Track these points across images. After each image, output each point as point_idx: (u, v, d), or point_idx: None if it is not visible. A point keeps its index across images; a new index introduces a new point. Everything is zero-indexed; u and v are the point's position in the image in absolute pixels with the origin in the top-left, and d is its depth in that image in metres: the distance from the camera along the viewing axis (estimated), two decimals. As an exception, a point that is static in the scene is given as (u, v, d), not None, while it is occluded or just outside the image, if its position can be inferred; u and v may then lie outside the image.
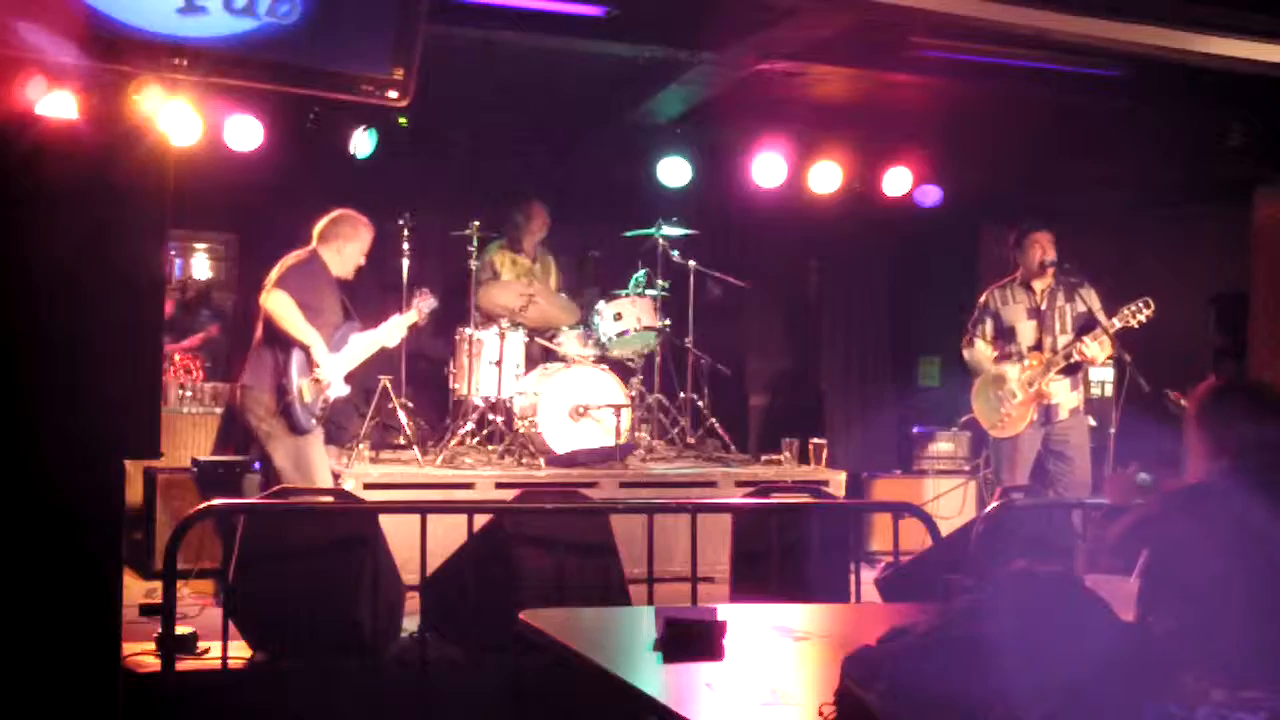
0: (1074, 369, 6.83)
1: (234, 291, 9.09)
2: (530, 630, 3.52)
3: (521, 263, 8.21)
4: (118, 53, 4.95)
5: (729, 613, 3.47)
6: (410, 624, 5.27)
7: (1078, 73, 7.02)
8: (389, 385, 7.05)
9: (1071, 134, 7.96)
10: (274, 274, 6.16)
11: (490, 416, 7.46)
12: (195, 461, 7.16)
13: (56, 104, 6.01)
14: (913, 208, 8.81)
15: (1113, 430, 6.68)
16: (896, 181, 8.60)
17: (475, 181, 8.45)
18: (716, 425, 7.91)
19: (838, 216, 9.02)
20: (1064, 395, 6.83)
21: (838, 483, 7.32)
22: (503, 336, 7.39)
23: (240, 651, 4.93)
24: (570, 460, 7.17)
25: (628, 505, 6.14)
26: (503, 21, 6.40)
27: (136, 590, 5.92)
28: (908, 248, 9.76)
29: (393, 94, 5.13)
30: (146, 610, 4.83)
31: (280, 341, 6.07)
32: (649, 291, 7.93)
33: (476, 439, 7.45)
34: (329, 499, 5.44)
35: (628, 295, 7.87)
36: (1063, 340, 6.81)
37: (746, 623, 3.55)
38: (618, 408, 7.28)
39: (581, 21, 6.46)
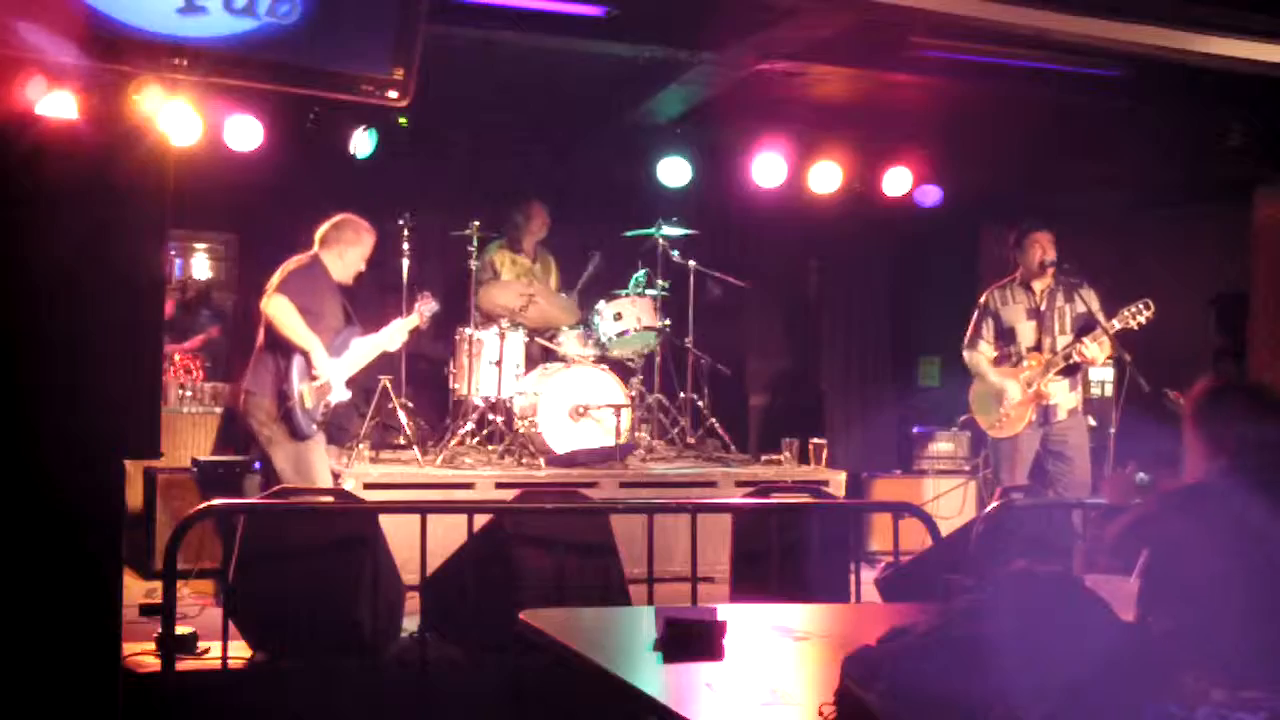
0: (1073, 370, 6.83)
1: (234, 291, 9.09)
2: (530, 630, 3.52)
3: (521, 263, 8.21)
4: (118, 53, 4.95)
5: (729, 613, 3.47)
6: (410, 624, 5.27)
7: (1078, 73, 7.02)
8: (389, 385, 7.05)
9: (1071, 134, 7.96)
10: (275, 279, 6.16)
11: (490, 416, 7.46)
12: (195, 461, 7.16)
13: (56, 104, 6.01)
14: (913, 208, 8.81)
15: (1113, 430, 6.68)
16: (896, 181, 8.60)
17: (475, 181, 8.45)
18: (716, 425, 7.91)
19: (838, 216, 9.02)
20: (1062, 396, 6.83)
21: (838, 483, 7.32)
22: (503, 336, 7.39)
23: (240, 651, 4.94)
24: (570, 460, 7.17)
25: (628, 505, 6.14)
26: (503, 21, 6.40)
27: (136, 590, 5.91)
28: (908, 248, 9.75)
29: (393, 94, 5.13)
30: (146, 610, 4.83)
31: (281, 347, 6.07)
32: (649, 291, 7.93)
33: (476, 439, 7.45)
34: (329, 499, 5.44)
35: (628, 295, 7.87)
36: (1062, 341, 6.81)
37: (746, 623, 3.55)
38: (618, 408, 7.28)
39: (581, 21, 6.46)
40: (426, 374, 8.35)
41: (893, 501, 7.30)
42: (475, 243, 7.62)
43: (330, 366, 6.13)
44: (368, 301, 7.15)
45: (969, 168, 8.53)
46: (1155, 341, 6.66)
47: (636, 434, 7.67)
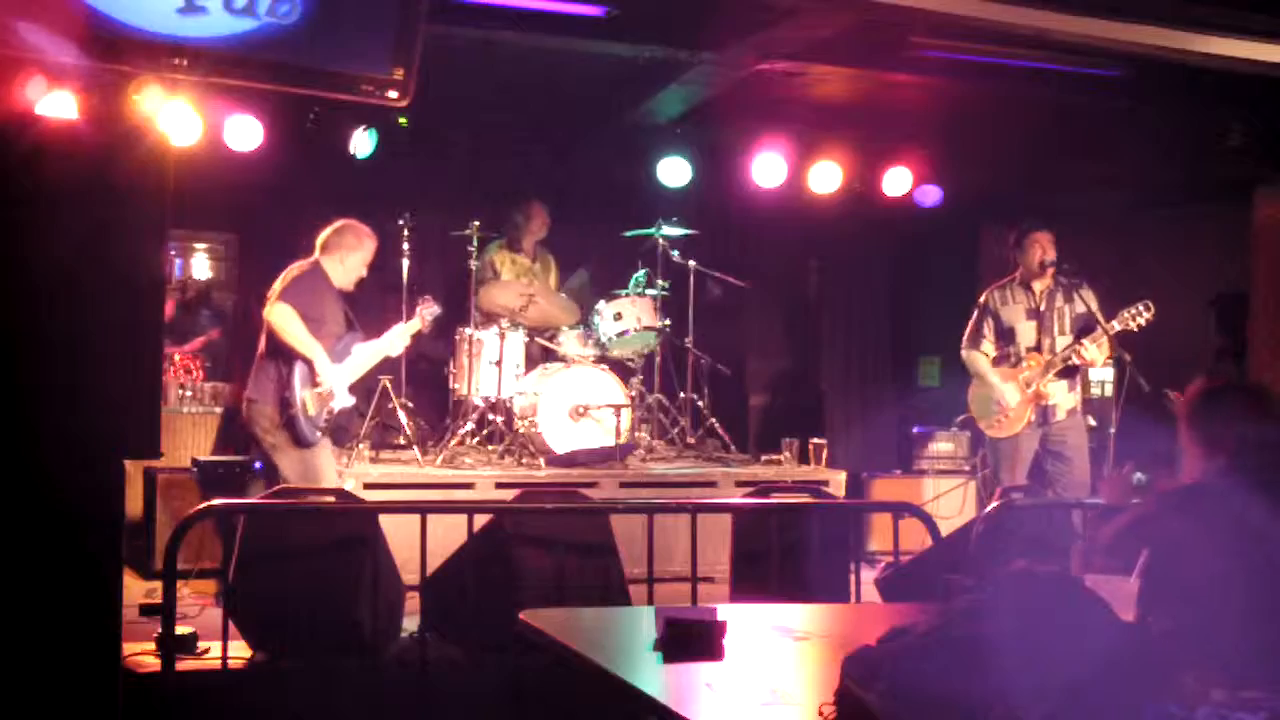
0: (1072, 371, 6.83)
1: (234, 292, 9.10)
2: (530, 630, 3.52)
3: (521, 262, 8.21)
4: (118, 53, 4.95)
5: (729, 613, 3.47)
6: (410, 624, 5.27)
7: (1078, 73, 7.02)
8: (389, 385, 7.05)
9: (1071, 134, 7.96)
10: (277, 286, 6.15)
11: (490, 416, 7.46)
12: (195, 461, 7.16)
13: (56, 104, 6.01)
14: (913, 208, 8.81)
15: (1113, 430, 6.68)
16: (896, 181, 8.60)
17: (475, 181, 8.45)
18: (716, 425, 7.91)
19: (838, 216, 9.02)
20: (1061, 396, 6.83)
21: (838, 483, 7.33)
22: (503, 336, 7.39)
23: (240, 651, 4.93)
24: (570, 460, 7.17)
25: (628, 505, 6.14)
26: (503, 21, 6.40)
27: (136, 590, 5.92)
28: (908, 248, 9.75)
29: (393, 94, 5.13)
30: (146, 610, 4.83)
31: (283, 354, 6.06)
32: (649, 291, 7.93)
33: (476, 439, 7.45)
34: (329, 499, 5.44)
35: (628, 295, 7.87)
36: (1062, 341, 6.81)
37: (746, 623, 3.55)
38: (618, 408, 7.28)
39: (581, 21, 6.46)
40: (426, 374, 8.35)
41: (893, 501, 7.30)
42: (475, 243, 7.62)
43: (333, 373, 6.12)
44: (368, 303, 7.15)
45: (969, 168, 8.53)
46: (1155, 341, 6.66)
47: (636, 434, 7.67)
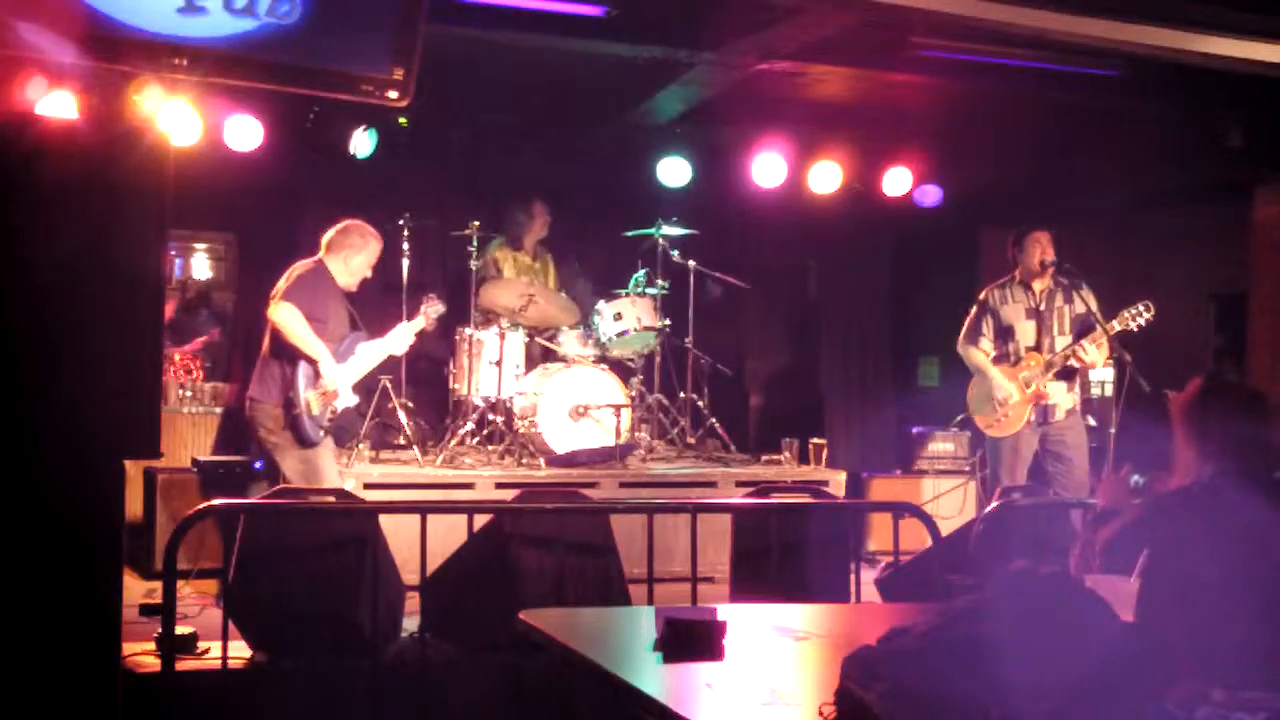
0: (1071, 371, 6.83)
1: (234, 292, 9.10)
2: (530, 630, 3.52)
3: (523, 261, 8.21)
4: (118, 53, 4.95)
5: (729, 613, 3.47)
6: (410, 624, 5.27)
7: (1078, 73, 7.03)
8: (389, 385, 7.05)
9: (1071, 134, 7.97)
10: (280, 285, 6.14)
11: (490, 416, 7.46)
12: (195, 461, 7.17)
13: (56, 104, 6.01)
14: (913, 208, 8.81)
15: (1113, 430, 6.68)
16: (896, 181, 8.60)
17: (475, 181, 8.45)
18: (716, 425, 7.91)
19: (837, 216, 9.03)
20: (1061, 396, 6.83)
21: (838, 483, 7.33)
22: (503, 336, 7.39)
23: (240, 651, 4.93)
24: (570, 460, 7.17)
25: (628, 505, 6.14)
26: (503, 21, 6.40)
27: (136, 590, 5.92)
28: (907, 248, 9.76)
29: (393, 94, 5.13)
30: (146, 610, 4.83)
31: (287, 354, 6.06)
32: (649, 291, 7.93)
33: (476, 439, 7.45)
34: (329, 499, 5.44)
35: (628, 295, 7.87)
36: (1061, 341, 6.81)
37: (746, 623, 3.55)
38: (618, 408, 7.28)
39: (581, 21, 6.46)
40: (426, 374, 8.35)
41: (893, 501, 7.30)
42: (475, 243, 7.62)
43: (337, 373, 6.12)
44: (368, 302, 7.14)
45: (969, 168, 8.53)
46: (1155, 342, 6.66)
47: (636, 434, 7.67)
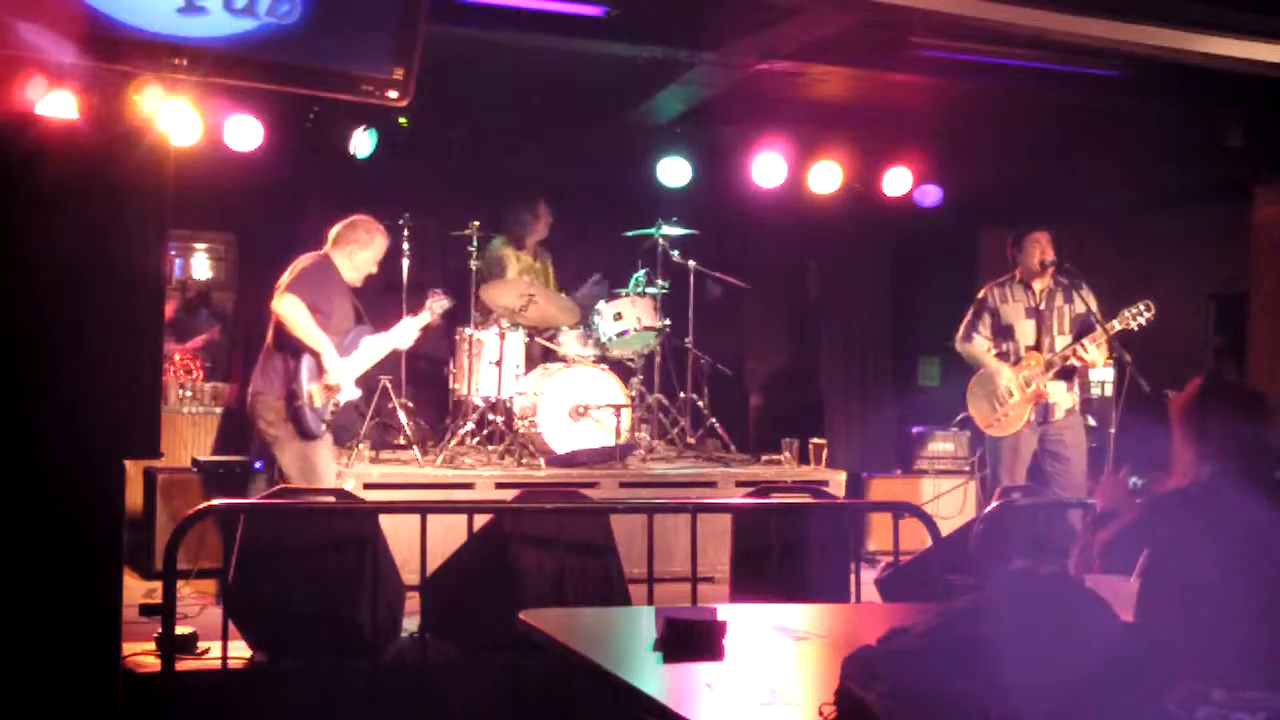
0: (1070, 371, 6.84)
1: (234, 292, 9.10)
2: (530, 630, 3.52)
3: (525, 259, 8.21)
4: (118, 53, 4.95)
5: (729, 613, 3.47)
6: (410, 624, 5.27)
7: (1078, 73, 7.03)
8: (389, 385, 7.05)
9: (1071, 134, 7.97)
10: (285, 278, 6.15)
11: (490, 416, 7.46)
12: (195, 461, 7.17)
13: (56, 104, 6.01)
14: (913, 208, 8.81)
15: (1113, 430, 6.68)
16: (896, 181, 8.60)
17: (474, 181, 8.45)
18: (716, 425, 7.90)
19: (837, 216, 9.02)
20: (1060, 395, 6.83)
21: (838, 483, 7.32)
22: (503, 336, 7.39)
23: (240, 651, 4.93)
24: (570, 460, 7.17)
25: (628, 505, 6.14)
26: (503, 21, 6.40)
27: (136, 590, 5.92)
28: (907, 248, 9.76)
29: (393, 94, 5.13)
30: (146, 610, 4.83)
31: (291, 346, 6.06)
32: (649, 291, 7.93)
33: (476, 439, 7.45)
34: (329, 499, 5.44)
35: (628, 295, 7.87)
36: (1061, 341, 6.81)
37: (746, 623, 3.55)
38: (618, 408, 7.28)
39: (581, 21, 6.46)
40: (426, 374, 8.35)
41: (893, 501, 7.30)
42: (475, 243, 7.62)
43: (340, 366, 6.13)
44: (368, 302, 7.12)
45: (969, 168, 8.54)
46: (1155, 342, 6.66)
47: (636, 434, 7.67)
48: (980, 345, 6.96)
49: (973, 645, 2.47)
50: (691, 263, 8.06)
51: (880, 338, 9.93)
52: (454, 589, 5.22)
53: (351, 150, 7.40)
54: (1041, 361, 6.78)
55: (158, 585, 4.92)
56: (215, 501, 5.38)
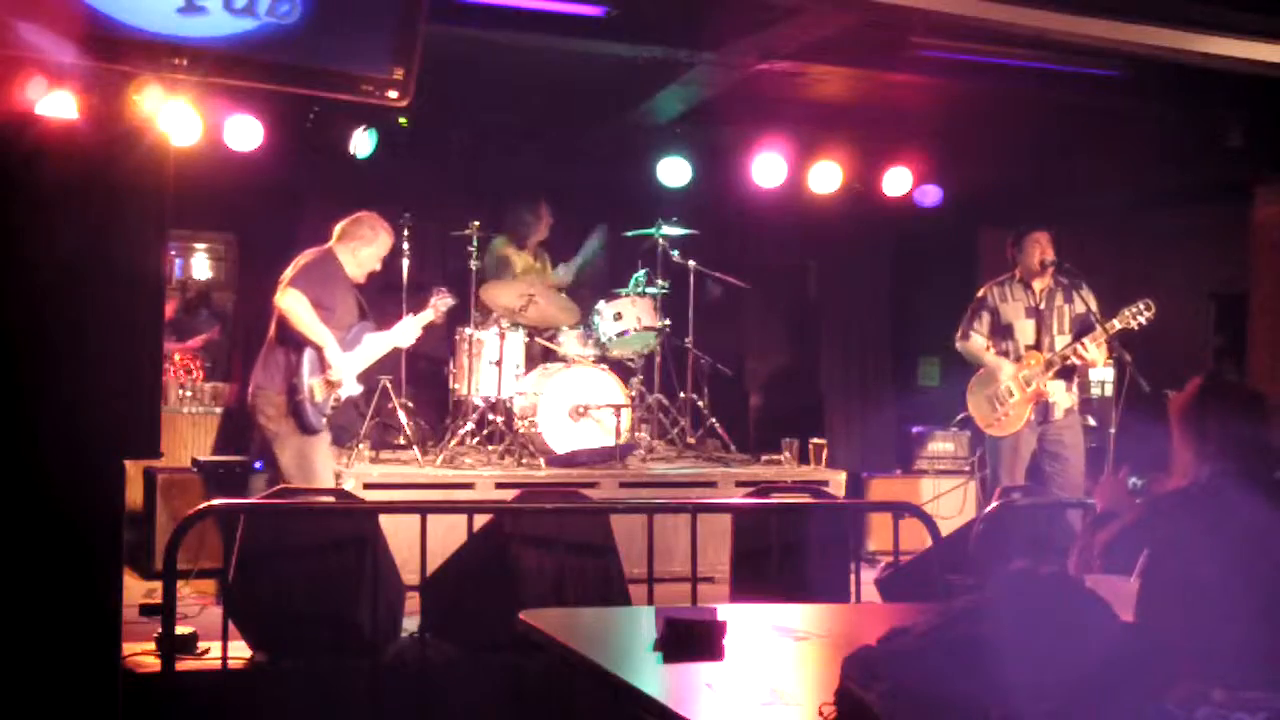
0: (1070, 370, 6.84)
1: (234, 291, 9.10)
2: (530, 630, 3.52)
3: (525, 259, 8.21)
4: (118, 53, 4.95)
5: (729, 613, 3.47)
6: (410, 624, 5.27)
7: (1078, 73, 7.03)
8: (389, 385, 7.05)
9: (1071, 134, 7.97)
10: (288, 272, 6.15)
11: (490, 416, 7.46)
12: (196, 461, 7.17)
13: (56, 104, 6.01)
14: (913, 208, 8.81)
15: (1113, 430, 6.68)
16: (896, 181, 8.60)
17: (474, 181, 8.45)
18: (716, 425, 7.90)
19: (837, 216, 9.02)
20: (1060, 395, 6.84)
21: (838, 483, 7.32)
22: (503, 336, 7.39)
23: (240, 651, 4.93)
24: (570, 460, 7.17)
25: (628, 505, 6.14)
26: (503, 21, 6.40)
27: (136, 590, 5.92)
28: (907, 248, 9.76)
29: (393, 94, 5.13)
30: (146, 610, 4.83)
31: (293, 341, 6.07)
32: (649, 291, 7.93)
33: (476, 439, 7.45)
34: (329, 499, 5.44)
35: (628, 295, 7.87)
36: (1060, 340, 6.81)
37: (746, 623, 3.55)
38: (618, 408, 7.28)
39: (581, 21, 6.46)
40: (426, 374, 8.35)
41: (893, 501, 7.30)
42: (475, 243, 7.62)
43: (343, 361, 6.13)
44: (367, 301, 7.15)
45: (969, 168, 8.53)
46: (1155, 341, 6.66)
47: (636, 434, 7.67)
48: (977, 343, 6.96)
49: (973, 645, 2.47)
50: (691, 263, 8.06)
51: (880, 338, 9.93)
52: (454, 589, 5.22)
53: (351, 150, 7.40)
54: (1041, 361, 6.78)
55: (158, 585, 4.92)
56: (215, 501, 5.38)
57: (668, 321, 7.86)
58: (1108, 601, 2.67)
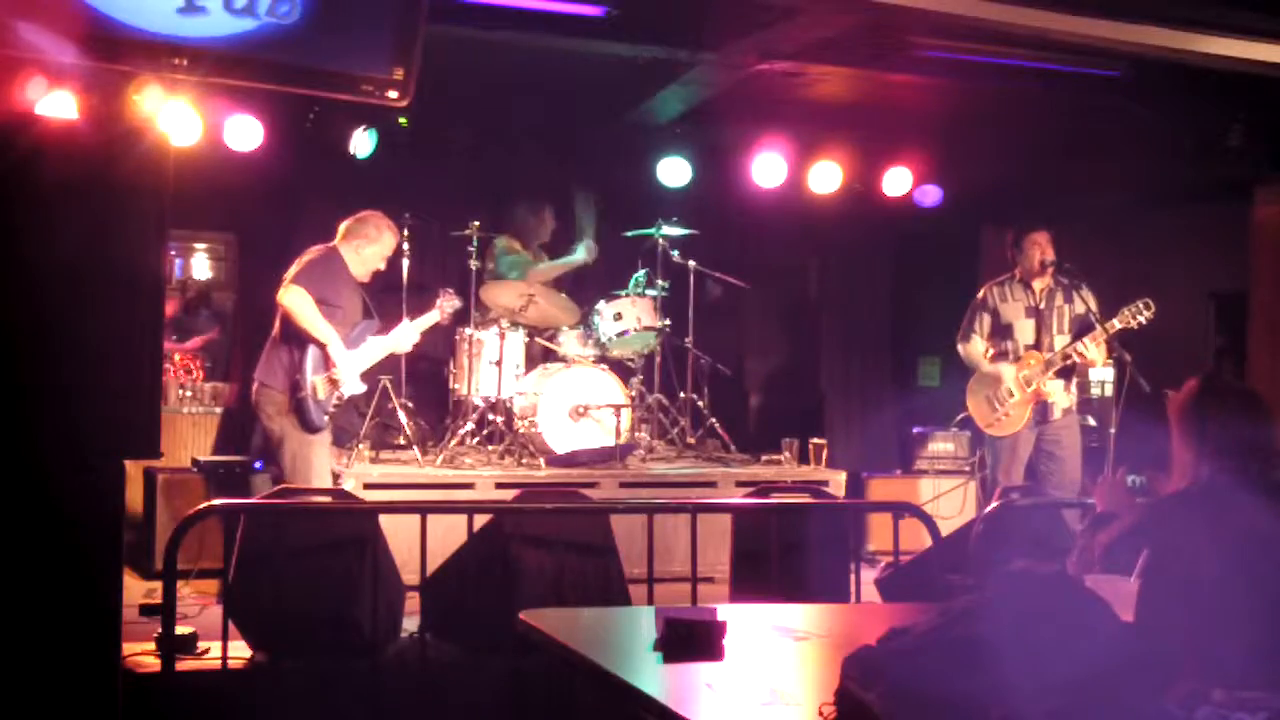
0: (1069, 370, 6.84)
1: (234, 291, 9.10)
2: (530, 630, 3.52)
3: (528, 259, 8.20)
4: (118, 53, 4.95)
5: (729, 613, 3.47)
6: (410, 624, 5.27)
7: (1078, 73, 7.02)
8: (389, 385, 7.05)
9: (1071, 134, 7.96)
10: (292, 270, 6.16)
11: (490, 416, 7.46)
12: (196, 461, 7.17)
13: (56, 104, 6.01)
14: (913, 208, 8.81)
15: (1113, 430, 6.68)
16: (896, 181, 8.60)
17: (475, 181, 8.44)
18: (716, 425, 7.90)
19: (838, 216, 9.02)
20: (1059, 395, 6.84)
21: (838, 483, 7.32)
22: (503, 336, 7.39)
23: (240, 651, 4.93)
24: (570, 460, 7.17)
25: (628, 505, 6.14)
26: (503, 21, 6.40)
27: (136, 590, 5.92)
28: (908, 248, 9.75)
29: (393, 94, 5.13)
30: (146, 610, 4.83)
31: (296, 338, 6.07)
32: (649, 291, 7.93)
33: (476, 439, 7.45)
34: (329, 499, 5.44)
35: (628, 295, 7.87)
36: (1060, 340, 6.82)
37: (746, 623, 3.55)
38: (618, 408, 7.28)
39: (581, 21, 6.46)
40: (426, 374, 8.35)
41: (893, 501, 7.30)
42: (475, 243, 7.62)
43: (346, 359, 6.13)
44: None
45: (969, 168, 8.53)
46: (1155, 341, 6.66)
47: (636, 434, 7.67)
48: (978, 346, 6.96)
49: (973, 645, 2.47)
50: (691, 263, 8.06)
51: (880, 338, 9.93)
52: (454, 589, 5.22)
53: (351, 150, 7.40)
54: (1041, 361, 6.78)
55: (158, 585, 4.93)
56: (216, 501, 5.38)
57: (668, 321, 7.86)
58: (1108, 601, 2.67)
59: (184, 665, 4.77)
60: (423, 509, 5.25)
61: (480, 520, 5.32)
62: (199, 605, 6.02)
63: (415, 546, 5.03)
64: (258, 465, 6.83)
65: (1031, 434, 6.85)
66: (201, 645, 4.97)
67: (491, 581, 5.14)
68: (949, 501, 8.12)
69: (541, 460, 7.09)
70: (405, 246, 7.52)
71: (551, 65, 7.05)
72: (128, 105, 6.25)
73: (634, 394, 7.70)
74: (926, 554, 5.60)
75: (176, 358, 8.48)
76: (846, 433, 9.49)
